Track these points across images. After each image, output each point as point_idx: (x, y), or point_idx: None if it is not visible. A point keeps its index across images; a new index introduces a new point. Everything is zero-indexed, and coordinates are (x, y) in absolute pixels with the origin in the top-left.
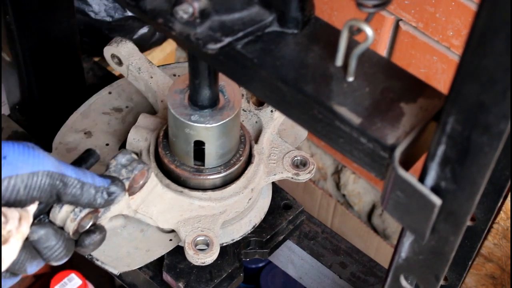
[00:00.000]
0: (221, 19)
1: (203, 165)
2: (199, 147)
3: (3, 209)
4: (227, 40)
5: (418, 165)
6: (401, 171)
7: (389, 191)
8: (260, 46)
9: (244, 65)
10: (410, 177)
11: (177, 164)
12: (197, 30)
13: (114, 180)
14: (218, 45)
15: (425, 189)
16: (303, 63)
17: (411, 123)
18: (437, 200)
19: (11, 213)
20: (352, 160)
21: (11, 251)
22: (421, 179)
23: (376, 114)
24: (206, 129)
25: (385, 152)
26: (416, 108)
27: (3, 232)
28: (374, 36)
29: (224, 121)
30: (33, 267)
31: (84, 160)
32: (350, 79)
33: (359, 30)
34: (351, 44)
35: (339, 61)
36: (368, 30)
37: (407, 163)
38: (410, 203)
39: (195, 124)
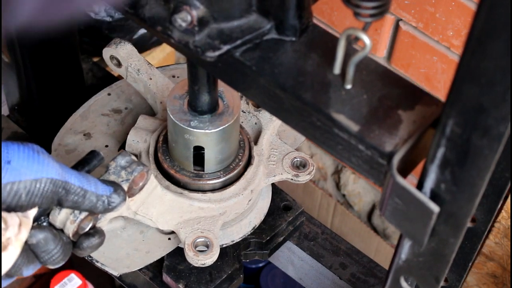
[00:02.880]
0: (219, 27)
1: (203, 170)
2: (198, 152)
3: (3, 214)
4: (225, 47)
5: (418, 167)
6: (399, 179)
7: (387, 198)
8: (259, 53)
9: (243, 72)
10: (408, 184)
11: (177, 169)
12: (195, 38)
13: (116, 188)
14: (217, 53)
15: (423, 197)
16: (301, 71)
17: (409, 131)
18: (435, 208)
19: (11, 219)
20: (350, 166)
21: (9, 259)
22: (421, 181)
23: (374, 122)
24: (205, 135)
25: (383, 159)
26: (413, 116)
27: (2, 239)
28: (372, 45)
29: (224, 126)
30: (29, 270)
31: (87, 162)
32: (348, 86)
33: (357, 39)
34: (349, 52)
35: (337, 69)
36: (366, 39)
37: (405, 170)
38: (408, 210)
39: (195, 130)
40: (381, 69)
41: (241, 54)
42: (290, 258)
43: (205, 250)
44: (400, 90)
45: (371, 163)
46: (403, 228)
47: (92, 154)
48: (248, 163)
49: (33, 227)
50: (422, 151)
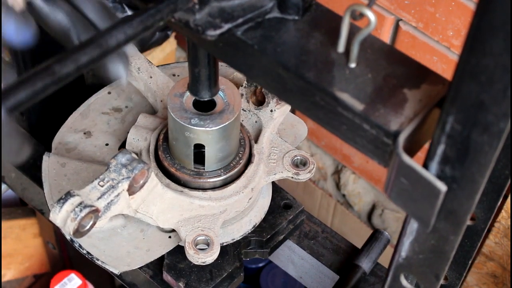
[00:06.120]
0: (220, 5)
1: (203, 168)
2: (199, 150)
3: None
4: (226, 26)
5: (418, 163)
6: (406, 157)
7: (393, 178)
8: (261, 32)
9: (245, 52)
10: (415, 163)
11: (177, 167)
12: (196, 17)
13: None
14: (218, 32)
15: (430, 175)
16: (304, 50)
17: (415, 109)
18: (442, 186)
19: None
20: (355, 147)
21: None
22: None
23: (379, 101)
24: (206, 133)
25: (388, 139)
26: (419, 94)
27: None
28: (376, 21)
29: (224, 124)
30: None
31: None
32: (352, 65)
33: (361, 15)
34: (353, 30)
35: (341, 47)
36: (370, 15)
37: (411, 150)
38: (415, 189)
39: (195, 128)
40: (386, 48)
41: (243, 33)
42: (291, 256)
43: (206, 248)
44: (406, 68)
45: (376, 142)
46: (409, 209)
47: None
48: (249, 161)
49: None
50: (428, 131)
